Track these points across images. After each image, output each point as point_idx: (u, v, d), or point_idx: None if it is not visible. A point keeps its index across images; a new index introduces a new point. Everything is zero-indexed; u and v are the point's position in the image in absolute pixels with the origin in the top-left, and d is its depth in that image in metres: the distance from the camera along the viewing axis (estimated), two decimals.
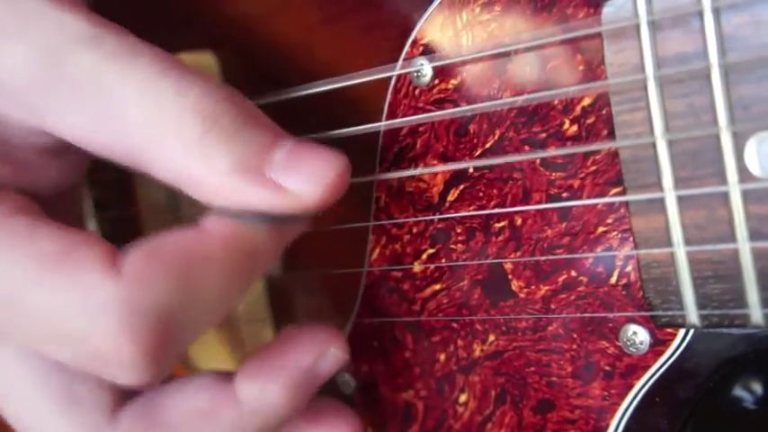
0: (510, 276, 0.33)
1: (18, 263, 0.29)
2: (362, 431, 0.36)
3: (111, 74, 0.29)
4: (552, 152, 0.31)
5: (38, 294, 0.28)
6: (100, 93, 0.29)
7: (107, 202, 0.46)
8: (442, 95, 0.33)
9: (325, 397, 0.36)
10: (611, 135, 0.29)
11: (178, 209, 0.41)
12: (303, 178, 0.30)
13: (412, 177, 0.35)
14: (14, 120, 0.31)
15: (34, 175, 0.33)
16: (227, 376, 0.33)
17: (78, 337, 0.28)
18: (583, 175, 0.30)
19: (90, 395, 0.32)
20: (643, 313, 0.30)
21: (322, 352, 0.34)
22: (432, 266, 0.35)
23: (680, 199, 0.28)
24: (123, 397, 0.33)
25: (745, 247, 0.27)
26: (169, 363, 0.30)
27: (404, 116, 0.34)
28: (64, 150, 0.32)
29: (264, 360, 0.33)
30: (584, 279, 0.31)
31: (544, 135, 0.31)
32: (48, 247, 0.29)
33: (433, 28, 0.33)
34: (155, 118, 0.29)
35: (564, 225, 0.31)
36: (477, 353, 0.35)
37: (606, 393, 0.32)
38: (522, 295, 0.33)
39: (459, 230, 0.34)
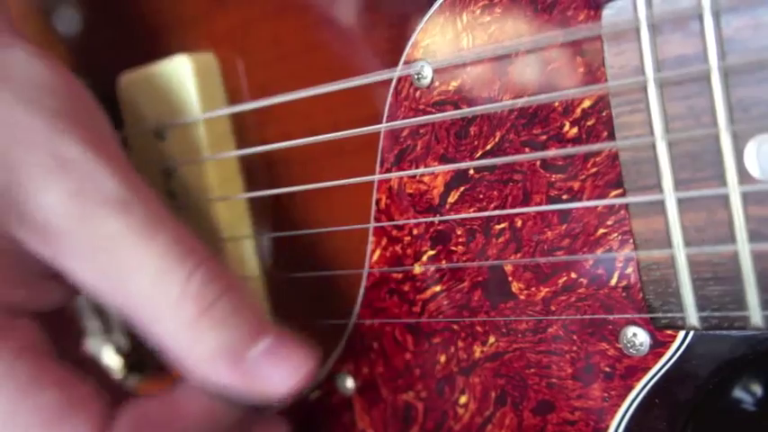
0: (510, 278, 0.33)
1: (21, 409, 0.32)
2: None
3: (130, 244, 0.32)
4: (552, 153, 0.31)
5: None
6: (115, 256, 0.32)
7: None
8: (443, 97, 0.33)
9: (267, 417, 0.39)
10: (611, 137, 0.29)
11: (163, 135, 0.42)
12: (281, 373, 0.33)
13: (412, 179, 0.35)
14: (34, 251, 0.33)
15: (45, 296, 0.36)
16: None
17: None
18: (583, 176, 0.31)
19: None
20: (643, 315, 0.30)
21: None
22: (432, 268, 0.35)
23: (680, 201, 0.28)
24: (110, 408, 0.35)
25: (744, 248, 0.27)
26: None
27: (404, 118, 0.34)
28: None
29: None
30: (585, 281, 0.31)
31: (544, 137, 0.31)
32: (51, 401, 0.32)
33: (434, 30, 0.33)
34: (159, 293, 0.32)
35: (564, 227, 0.31)
36: (478, 354, 0.35)
37: (606, 395, 0.32)
38: (522, 297, 0.33)
39: (459, 232, 0.34)
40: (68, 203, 0.32)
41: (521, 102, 0.31)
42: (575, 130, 0.30)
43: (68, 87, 0.35)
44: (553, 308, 0.32)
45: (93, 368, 0.43)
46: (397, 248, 0.36)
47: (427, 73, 0.33)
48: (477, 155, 0.33)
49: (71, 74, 0.36)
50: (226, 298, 0.33)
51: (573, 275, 0.32)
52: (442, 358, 0.36)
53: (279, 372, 0.33)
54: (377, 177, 0.36)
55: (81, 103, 0.35)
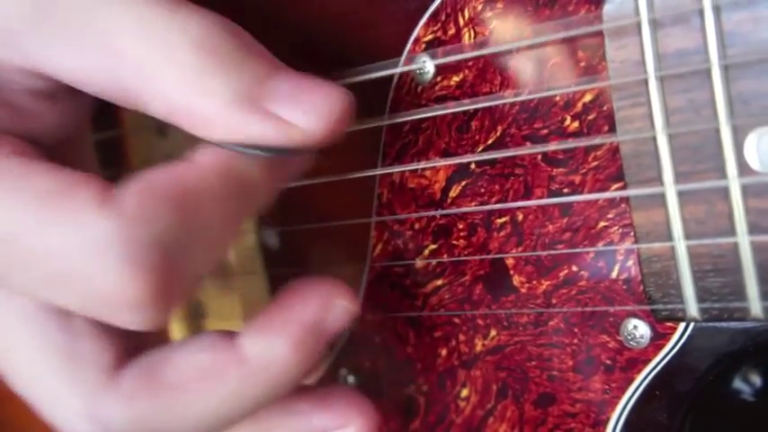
0: (511, 272, 0.34)
1: (13, 203, 0.28)
2: (377, 422, 0.34)
3: (101, 8, 0.28)
4: (554, 146, 0.31)
5: (35, 234, 0.27)
6: (93, 28, 0.28)
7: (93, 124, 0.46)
8: (445, 92, 0.33)
9: (341, 386, 0.36)
10: (612, 131, 0.30)
11: (165, 132, 0.41)
12: (305, 111, 0.29)
13: (414, 173, 0.35)
14: (7, 62, 0.30)
15: (33, 120, 0.32)
16: (232, 334, 0.32)
17: (79, 277, 0.27)
18: (584, 170, 0.31)
19: (91, 353, 0.31)
20: (644, 307, 0.30)
21: (328, 305, 0.32)
22: (434, 262, 0.36)
23: (680, 193, 0.28)
24: (126, 355, 0.32)
25: (744, 240, 0.27)
26: (175, 301, 0.29)
27: (406, 113, 0.35)
28: (61, 94, 0.31)
29: (269, 315, 0.32)
30: (586, 274, 0.32)
31: (546, 131, 0.31)
32: (44, 186, 0.28)
33: (436, 25, 0.33)
34: (150, 50, 0.28)
35: (565, 220, 0.32)
36: (479, 348, 0.35)
37: (607, 387, 0.32)
38: (523, 290, 0.34)
39: (461, 226, 0.34)
40: None
41: (522, 96, 0.31)
42: (576, 124, 0.31)
43: None
44: (554, 301, 0.33)
45: None
46: (399, 243, 0.36)
47: (429, 68, 0.34)
48: (479, 149, 0.33)
49: None
50: (230, 40, 0.29)
51: (574, 268, 0.32)
52: (444, 352, 0.36)
53: (307, 110, 0.29)
54: (379, 172, 0.36)
55: None
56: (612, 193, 0.30)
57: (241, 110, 0.29)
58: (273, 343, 0.31)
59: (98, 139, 0.43)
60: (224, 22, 0.29)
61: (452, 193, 0.34)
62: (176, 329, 0.45)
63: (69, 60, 0.29)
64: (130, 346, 0.32)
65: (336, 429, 0.34)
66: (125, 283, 0.27)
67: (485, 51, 0.32)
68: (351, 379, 0.40)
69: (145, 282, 0.27)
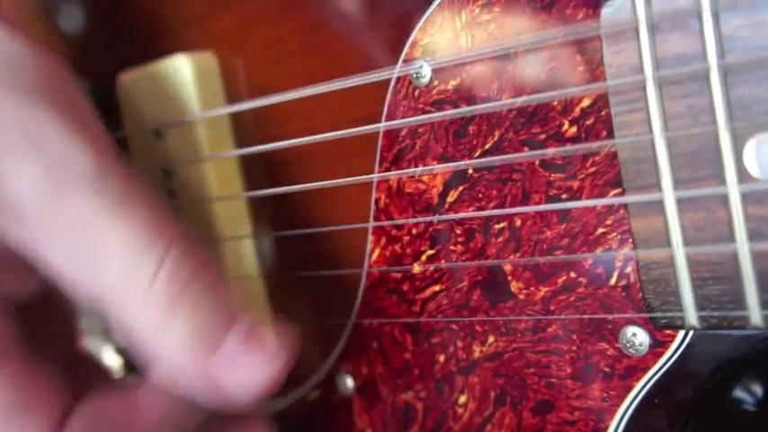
0: (509, 278, 0.33)
1: None
2: None
3: (103, 224, 0.31)
4: (552, 152, 0.31)
5: None
6: (88, 236, 0.31)
7: None
8: (442, 96, 0.33)
9: (256, 419, 0.38)
10: (611, 136, 0.29)
11: (163, 135, 0.41)
12: (241, 381, 0.32)
13: (411, 178, 0.35)
14: (9, 235, 0.32)
15: (14, 283, 0.34)
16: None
17: None
18: (582, 176, 0.30)
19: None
20: (642, 315, 0.30)
21: None
22: (431, 267, 0.35)
23: (679, 200, 0.28)
24: (70, 404, 0.34)
25: (744, 248, 0.27)
26: None
27: (403, 117, 0.34)
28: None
29: None
30: (584, 280, 0.31)
31: (543, 136, 0.31)
32: (3, 400, 0.31)
33: (433, 29, 0.33)
34: (130, 273, 0.31)
35: (563, 226, 0.31)
36: (477, 354, 0.35)
37: (605, 395, 0.32)
38: (521, 296, 0.33)
39: (458, 231, 0.34)
40: (39, 183, 0.31)
41: (520, 101, 0.31)
42: (574, 129, 0.30)
43: (43, 64, 0.34)
44: (552, 307, 0.32)
45: (88, 366, 0.42)
46: (397, 248, 0.36)
47: (426, 72, 0.33)
48: (476, 154, 0.33)
49: (47, 51, 0.35)
50: (199, 281, 0.32)
51: (572, 275, 0.32)
52: (442, 358, 0.36)
53: (244, 376, 0.32)
54: (376, 177, 0.36)
55: (57, 80, 0.34)
56: (611, 200, 0.30)
57: (194, 351, 0.31)
58: None
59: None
60: (202, 262, 0.32)
61: (450, 199, 0.34)
62: None
63: (58, 259, 0.32)
64: (76, 389, 0.34)
65: None
66: None
67: (482, 55, 0.32)
68: (350, 384, 0.40)
69: None
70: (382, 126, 0.35)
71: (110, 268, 0.31)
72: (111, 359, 0.49)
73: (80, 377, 0.37)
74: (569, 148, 0.30)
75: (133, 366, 0.48)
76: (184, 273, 0.31)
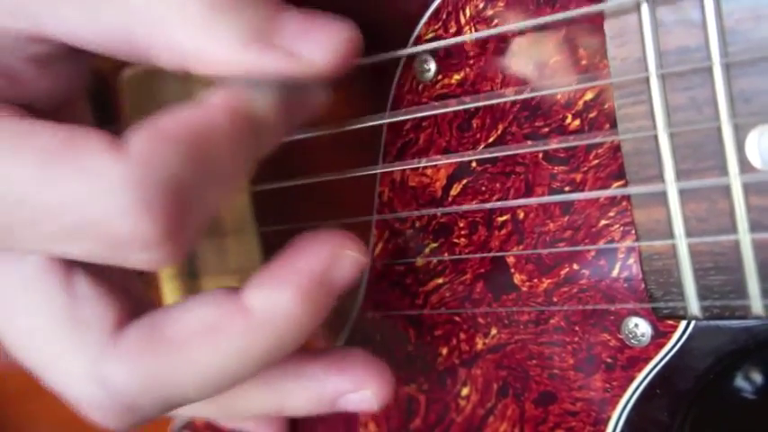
0: (512, 270, 0.34)
1: (20, 161, 0.28)
2: (392, 385, 0.34)
3: None
4: (555, 144, 0.31)
5: (45, 188, 0.27)
6: None
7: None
8: (446, 90, 0.33)
9: (356, 348, 0.35)
10: (614, 129, 0.30)
11: None
12: (313, 44, 0.29)
13: (415, 172, 0.35)
14: (12, 29, 0.30)
15: (28, 86, 0.32)
16: (237, 289, 0.31)
17: (93, 225, 0.27)
18: (585, 168, 0.31)
19: (92, 314, 0.31)
20: (645, 305, 0.30)
21: (336, 255, 0.31)
22: (434, 260, 0.36)
23: (681, 191, 0.28)
24: (128, 316, 0.32)
25: (745, 238, 0.27)
26: (189, 239, 0.29)
27: (407, 111, 0.35)
28: (57, 58, 0.31)
29: (275, 267, 0.31)
30: (587, 272, 0.32)
31: (547, 129, 0.31)
32: (48, 141, 0.28)
33: (437, 24, 0.33)
34: (158, 1, 0.28)
35: (566, 219, 0.32)
36: (480, 346, 0.35)
37: (608, 386, 0.32)
38: (524, 289, 0.33)
39: (461, 224, 0.34)
40: None
41: (523, 94, 0.31)
42: (577, 122, 0.31)
43: None
44: (555, 299, 0.33)
45: None
46: (400, 241, 0.36)
47: (430, 66, 0.34)
48: (480, 147, 0.33)
49: None
50: None
51: (575, 267, 0.32)
52: (444, 350, 0.36)
53: (315, 43, 0.29)
54: (380, 170, 0.36)
55: None
56: (614, 191, 0.30)
57: (252, 48, 0.29)
58: (279, 295, 0.30)
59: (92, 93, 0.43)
60: None
61: (453, 192, 0.34)
62: (169, 289, 0.45)
63: (74, 18, 0.29)
64: (132, 308, 0.32)
65: (351, 393, 0.34)
66: (139, 225, 0.27)
67: (486, 49, 0.32)
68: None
69: (158, 222, 0.27)
70: (386, 120, 0.35)
71: (133, 3, 0.28)
72: None
73: None
74: (573, 141, 0.31)
75: None
76: None
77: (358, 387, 0.34)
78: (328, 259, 0.31)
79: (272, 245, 0.42)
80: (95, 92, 0.39)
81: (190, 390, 0.31)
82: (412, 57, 0.34)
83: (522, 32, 0.31)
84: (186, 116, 0.29)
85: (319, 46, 0.29)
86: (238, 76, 0.29)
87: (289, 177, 0.39)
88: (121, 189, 0.27)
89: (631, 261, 0.30)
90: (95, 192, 0.27)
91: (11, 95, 0.31)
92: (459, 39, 0.32)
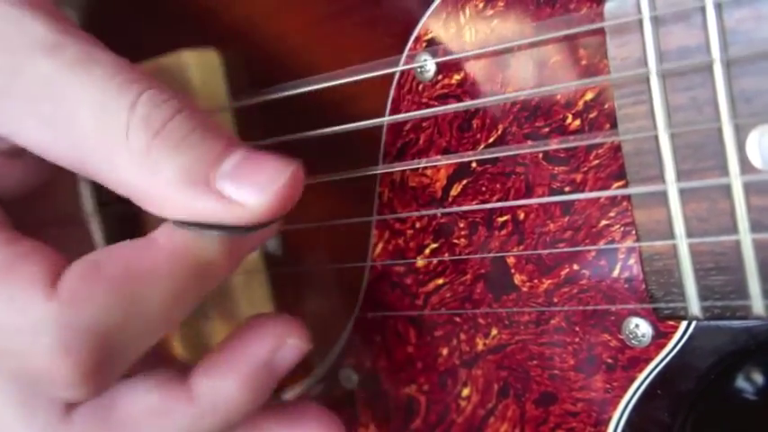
0: (513, 270, 0.34)
1: None
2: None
3: (66, 83, 0.29)
4: (555, 145, 0.31)
5: None
6: (54, 100, 0.29)
7: (108, 197, 0.46)
8: (446, 91, 0.33)
9: (309, 401, 0.36)
10: (614, 129, 0.29)
11: None
12: (251, 189, 0.30)
13: (415, 172, 0.35)
14: None
15: None
16: (185, 372, 0.33)
17: (17, 354, 0.29)
18: (585, 169, 0.31)
19: (44, 398, 0.32)
20: (645, 306, 0.30)
21: (279, 344, 0.33)
22: (435, 261, 0.36)
23: (682, 191, 0.28)
24: None
25: (746, 238, 0.27)
26: (109, 379, 0.30)
27: (407, 111, 0.34)
28: (22, 152, 0.32)
29: (220, 354, 0.33)
30: (587, 272, 0.32)
31: (547, 129, 0.31)
32: None
33: (437, 23, 0.33)
34: (104, 127, 0.29)
35: (566, 219, 0.32)
36: (480, 347, 0.35)
37: (608, 386, 0.32)
38: (524, 289, 0.33)
39: (462, 225, 0.34)
40: None
41: (523, 94, 0.31)
42: (577, 122, 0.31)
43: None
44: (555, 299, 0.33)
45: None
46: (400, 241, 0.36)
47: (430, 66, 0.34)
48: (480, 148, 0.33)
49: None
50: (179, 117, 0.30)
51: (575, 267, 0.32)
52: (445, 351, 0.36)
53: (251, 187, 0.29)
54: (380, 170, 0.36)
55: None
56: (614, 191, 0.30)
57: (188, 190, 0.29)
58: (223, 383, 0.32)
59: None
60: (179, 99, 0.30)
61: (453, 192, 0.34)
62: (180, 332, 0.45)
63: (32, 132, 0.30)
64: None
65: None
66: (57, 367, 0.28)
67: (486, 49, 0.32)
68: (353, 378, 0.40)
69: (77, 366, 0.28)
70: (386, 120, 0.35)
71: (82, 127, 0.29)
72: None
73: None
74: (573, 141, 0.31)
75: None
76: (160, 114, 0.29)
77: None
78: (271, 347, 0.33)
79: (272, 245, 0.42)
80: None
81: None
82: (411, 57, 0.34)
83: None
84: (126, 257, 0.30)
85: (257, 191, 0.30)
86: (178, 217, 0.30)
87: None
88: (45, 330, 0.28)
89: (632, 261, 0.30)
90: (21, 326, 0.28)
91: None
92: (464, 54, 0.32)
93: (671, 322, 0.30)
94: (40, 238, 0.31)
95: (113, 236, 0.45)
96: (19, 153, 0.32)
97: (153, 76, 0.31)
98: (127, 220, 0.43)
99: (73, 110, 0.29)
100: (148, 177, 0.29)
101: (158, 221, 0.41)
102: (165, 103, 0.30)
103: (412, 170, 0.35)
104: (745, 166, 0.27)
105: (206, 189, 0.29)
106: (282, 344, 0.33)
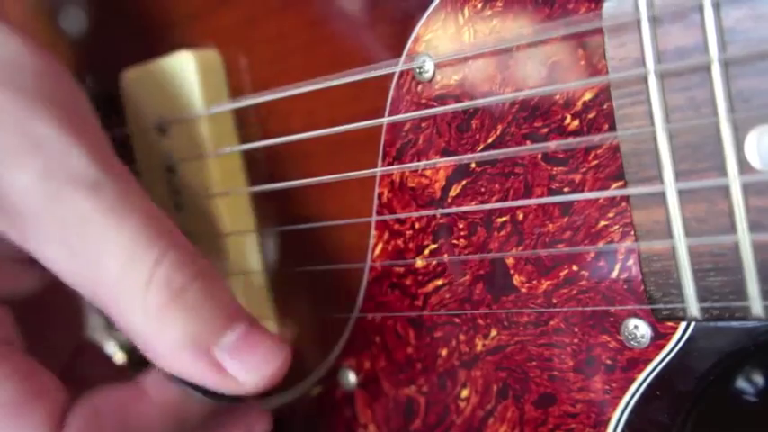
0: (512, 271, 0.34)
1: None
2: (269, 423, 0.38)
3: (99, 226, 0.31)
4: (554, 145, 0.31)
5: None
6: (86, 238, 0.31)
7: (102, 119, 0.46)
8: (445, 91, 0.33)
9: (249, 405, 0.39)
10: (613, 129, 0.29)
11: (166, 131, 0.42)
12: (246, 368, 0.32)
13: (414, 173, 0.35)
14: (4, 235, 0.33)
15: (10, 281, 0.35)
16: None
17: None
18: (584, 169, 0.31)
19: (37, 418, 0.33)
20: (644, 306, 0.30)
21: None
22: (434, 262, 0.35)
23: (681, 192, 0.28)
24: (66, 402, 0.34)
25: (745, 239, 0.27)
26: None
27: (406, 112, 0.34)
28: (36, 261, 0.33)
29: None
30: (586, 273, 0.32)
31: (546, 130, 0.31)
32: (4, 396, 0.31)
33: (436, 24, 0.33)
34: (127, 275, 0.31)
35: (565, 220, 0.32)
36: (479, 348, 0.35)
37: (607, 387, 0.32)
38: (523, 290, 0.33)
39: (461, 226, 0.34)
40: (37, 184, 0.31)
41: (522, 95, 0.31)
42: (576, 122, 0.30)
43: (44, 65, 0.34)
44: (555, 300, 0.33)
45: (94, 357, 0.42)
46: (399, 242, 0.36)
47: (429, 67, 0.34)
48: (479, 148, 0.33)
49: (47, 51, 0.35)
50: (196, 285, 0.32)
51: (574, 268, 0.32)
52: (444, 352, 0.36)
53: (247, 366, 0.32)
54: (379, 171, 0.36)
55: (57, 81, 0.34)
56: (613, 192, 0.30)
57: (191, 356, 0.32)
58: None
59: (103, 93, 0.44)
60: (201, 265, 0.33)
61: (453, 193, 0.34)
62: None
63: (57, 258, 0.32)
64: (69, 395, 0.34)
65: None
66: None
67: (485, 50, 0.32)
68: (352, 379, 0.40)
69: None
70: (385, 120, 0.35)
71: (106, 269, 0.31)
72: (114, 355, 0.49)
73: (86, 368, 0.38)
74: (572, 142, 0.31)
75: (137, 362, 0.48)
76: (180, 278, 0.32)
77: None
78: None
79: (271, 246, 0.42)
80: (102, 95, 0.39)
81: None
82: (409, 58, 0.34)
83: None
84: (122, 407, 0.33)
85: (250, 370, 0.33)
86: (173, 373, 0.33)
87: (289, 179, 0.39)
88: None
89: (631, 262, 0.30)
90: None
91: None
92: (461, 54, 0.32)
93: (670, 323, 0.30)
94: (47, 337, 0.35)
95: None
96: (35, 262, 0.34)
97: (177, 230, 0.33)
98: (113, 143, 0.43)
99: (101, 251, 0.31)
100: (156, 333, 0.32)
101: (143, 148, 0.42)
102: (186, 267, 0.32)
103: (411, 171, 0.35)
104: (744, 166, 0.27)
105: (206, 357, 0.32)
106: None
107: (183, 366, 0.32)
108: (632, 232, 0.30)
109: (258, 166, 0.41)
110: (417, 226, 0.36)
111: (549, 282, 0.33)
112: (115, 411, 0.33)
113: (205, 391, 0.33)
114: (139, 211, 0.32)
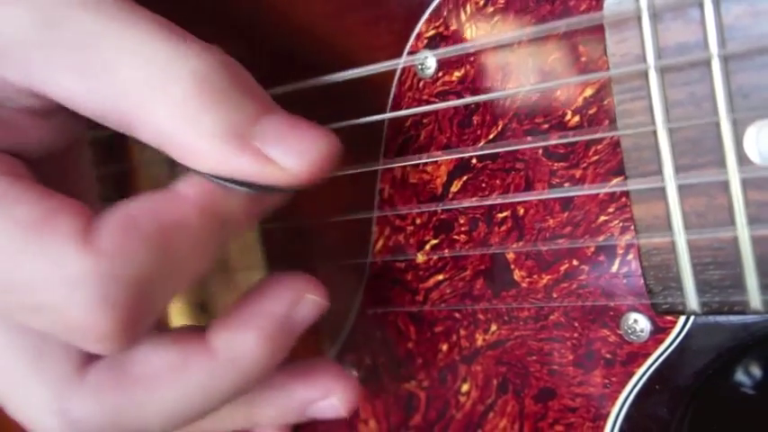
0: (512, 266, 0.34)
1: None
2: (357, 393, 0.35)
3: (107, 35, 0.29)
4: (554, 140, 0.31)
5: (11, 264, 0.28)
6: (95, 53, 0.29)
7: (102, 158, 0.46)
8: (446, 87, 0.34)
9: (322, 358, 0.36)
10: (613, 125, 0.30)
11: (174, 163, 0.42)
12: (291, 152, 0.30)
13: (415, 169, 0.35)
14: (7, 80, 0.30)
15: (25, 136, 0.32)
16: (201, 329, 0.33)
17: (52, 308, 0.28)
18: (585, 164, 0.31)
19: (59, 350, 0.31)
20: (644, 301, 0.30)
21: (298, 299, 0.33)
22: (435, 257, 0.36)
23: (680, 186, 0.28)
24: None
25: (744, 233, 0.27)
26: (141, 332, 0.30)
27: (408, 108, 0.35)
28: (54, 112, 0.32)
29: (238, 309, 0.32)
30: (586, 268, 0.32)
31: (547, 126, 0.32)
32: (27, 214, 0.28)
33: (438, 21, 0.33)
34: (147, 78, 0.29)
35: (566, 215, 0.32)
36: (480, 342, 0.35)
37: (607, 381, 0.32)
38: (524, 285, 0.34)
39: (462, 221, 0.35)
40: (33, 16, 0.29)
41: (523, 91, 0.32)
42: (576, 118, 0.31)
43: None
44: (555, 295, 0.33)
45: None
46: (400, 238, 0.37)
47: (431, 63, 0.34)
48: (480, 144, 0.33)
49: None
50: (224, 75, 0.29)
51: (574, 263, 0.32)
52: (444, 347, 0.37)
53: (292, 151, 0.29)
54: (381, 167, 0.36)
55: None
56: (613, 187, 0.30)
57: (230, 145, 0.29)
58: (243, 337, 0.32)
59: (103, 135, 0.44)
60: (224, 59, 0.30)
61: (454, 188, 0.34)
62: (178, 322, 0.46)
63: (69, 83, 0.30)
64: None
65: (319, 401, 0.35)
66: (96, 320, 0.28)
67: (486, 46, 0.32)
68: (353, 373, 0.40)
69: (116, 319, 0.28)
70: (387, 116, 0.35)
71: (122, 76, 0.29)
72: None
73: None
74: (573, 137, 0.31)
75: None
76: (204, 67, 0.29)
77: (325, 395, 0.35)
78: (290, 303, 0.33)
79: (273, 242, 0.42)
80: None
81: (154, 425, 0.31)
82: (412, 54, 0.34)
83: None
84: (157, 209, 0.29)
85: (296, 154, 0.30)
86: (213, 172, 0.30)
87: None
88: (83, 283, 0.28)
89: (630, 257, 0.31)
90: (57, 280, 0.28)
91: (6, 144, 0.31)
92: (462, 46, 0.33)
93: (669, 317, 0.30)
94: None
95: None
96: (49, 113, 0.32)
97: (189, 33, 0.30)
98: (118, 179, 0.43)
99: (113, 61, 0.29)
100: (189, 130, 0.29)
101: (150, 181, 0.41)
102: (209, 56, 0.29)
103: (412, 166, 0.35)
104: (743, 161, 0.27)
105: (244, 145, 0.29)
106: (301, 299, 0.33)
107: (224, 161, 0.29)
108: (632, 227, 0.30)
109: None
110: (418, 221, 0.36)
111: (549, 276, 0.33)
112: (150, 214, 0.29)
113: (247, 185, 0.30)
114: (146, 15, 0.30)
